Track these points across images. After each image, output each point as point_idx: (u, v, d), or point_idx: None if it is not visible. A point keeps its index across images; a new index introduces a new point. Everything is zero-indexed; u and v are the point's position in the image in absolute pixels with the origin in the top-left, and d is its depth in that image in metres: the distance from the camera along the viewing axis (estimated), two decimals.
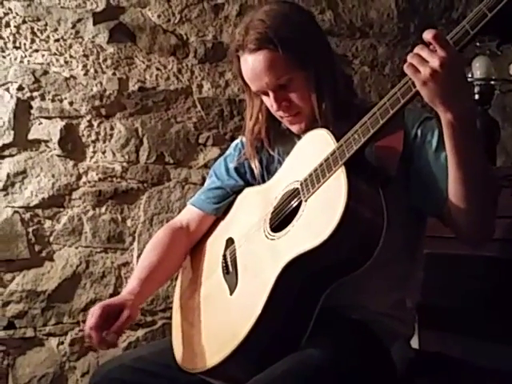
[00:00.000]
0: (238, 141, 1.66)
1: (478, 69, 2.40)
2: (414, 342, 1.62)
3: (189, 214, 1.68)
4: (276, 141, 1.54)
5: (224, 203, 1.63)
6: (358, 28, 2.79)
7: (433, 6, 2.89)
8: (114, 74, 2.45)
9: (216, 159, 1.73)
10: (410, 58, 1.13)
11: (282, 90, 1.40)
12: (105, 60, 2.45)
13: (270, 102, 1.43)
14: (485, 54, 2.41)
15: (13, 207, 2.33)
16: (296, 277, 1.25)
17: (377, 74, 2.81)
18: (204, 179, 2.08)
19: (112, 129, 2.46)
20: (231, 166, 1.62)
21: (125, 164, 2.48)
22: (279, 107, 1.42)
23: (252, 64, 1.39)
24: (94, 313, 1.37)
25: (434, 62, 1.09)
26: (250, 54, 1.39)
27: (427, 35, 1.10)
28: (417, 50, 1.12)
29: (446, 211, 1.29)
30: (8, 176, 2.32)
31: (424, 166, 1.34)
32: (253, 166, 1.56)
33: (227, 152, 1.67)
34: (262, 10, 1.43)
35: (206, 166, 2.53)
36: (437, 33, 1.09)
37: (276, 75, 1.38)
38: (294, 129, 1.46)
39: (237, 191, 1.63)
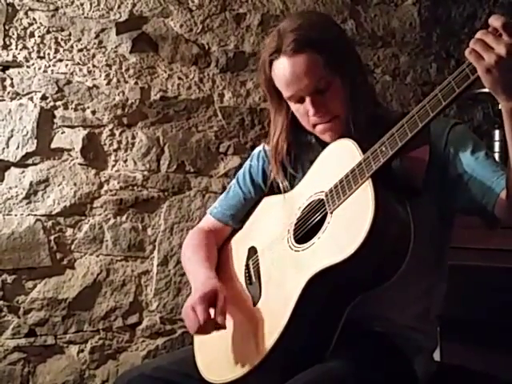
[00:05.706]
0: (260, 148, 1.63)
1: None
2: (436, 354, 1.60)
3: (209, 223, 1.69)
4: (300, 154, 1.51)
5: (243, 213, 1.63)
6: (380, 37, 2.78)
7: (455, 15, 2.87)
8: (136, 83, 2.47)
9: (237, 168, 1.72)
10: (472, 44, 1.07)
11: (319, 95, 1.37)
12: (127, 69, 2.46)
13: (304, 108, 1.40)
14: None
15: (35, 215, 2.35)
16: (321, 290, 1.24)
17: (398, 83, 2.79)
18: (224, 188, 2.09)
19: (133, 138, 2.47)
20: (256, 178, 1.61)
21: (146, 173, 2.49)
22: (316, 112, 1.37)
23: (291, 67, 1.35)
24: (199, 308, 1.33)
25: (501, 49, 1.03)
26: (289, 57, 1.35)
27: (495, 21, 1.05)
28: (480, 35, 1.07)
29: (498, 206, 1.24)
30: (31, 184, 2.35)
31: (464, 169, 1.31)
32: (279, 181, 1.53)
33: (251, 163, 1.64)
34: (295, 16, 1.43)
35: (227, 174, 2.53)
36: (506, 21, 1.04)
37: (316, 78, 1.35)
38: (326, 137, 1.42)
39: (258, 201, 1.62)
